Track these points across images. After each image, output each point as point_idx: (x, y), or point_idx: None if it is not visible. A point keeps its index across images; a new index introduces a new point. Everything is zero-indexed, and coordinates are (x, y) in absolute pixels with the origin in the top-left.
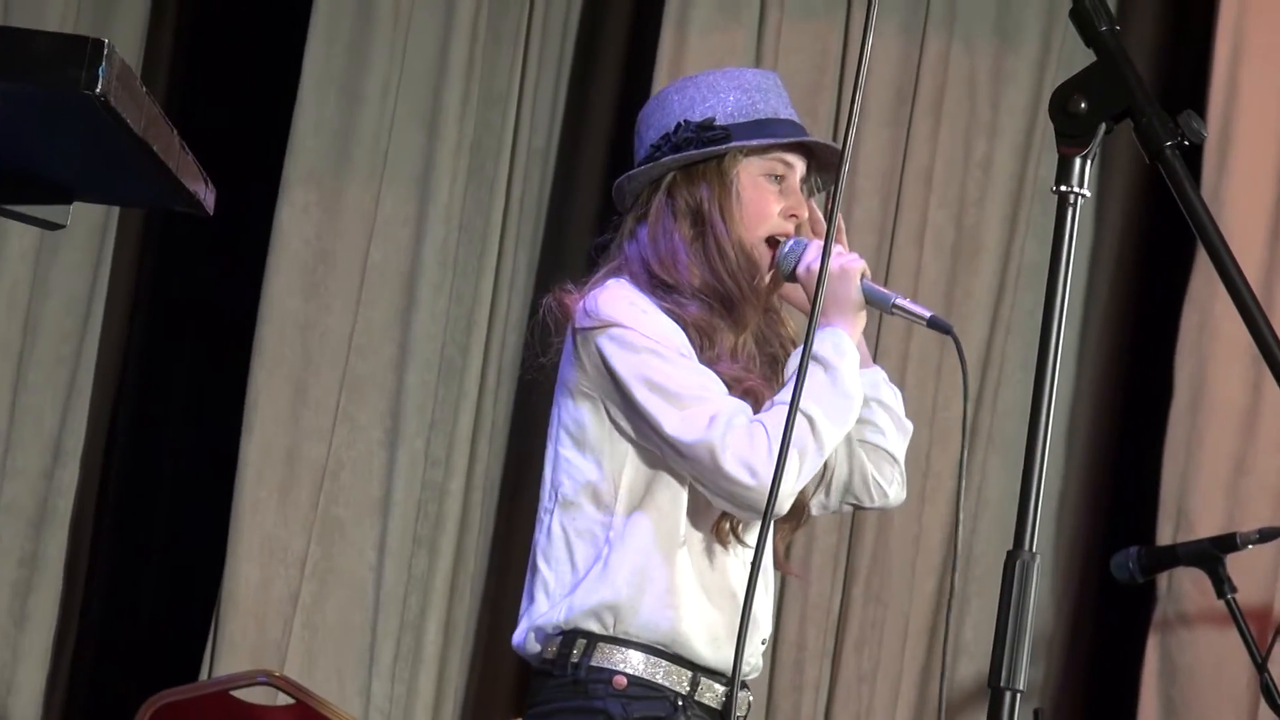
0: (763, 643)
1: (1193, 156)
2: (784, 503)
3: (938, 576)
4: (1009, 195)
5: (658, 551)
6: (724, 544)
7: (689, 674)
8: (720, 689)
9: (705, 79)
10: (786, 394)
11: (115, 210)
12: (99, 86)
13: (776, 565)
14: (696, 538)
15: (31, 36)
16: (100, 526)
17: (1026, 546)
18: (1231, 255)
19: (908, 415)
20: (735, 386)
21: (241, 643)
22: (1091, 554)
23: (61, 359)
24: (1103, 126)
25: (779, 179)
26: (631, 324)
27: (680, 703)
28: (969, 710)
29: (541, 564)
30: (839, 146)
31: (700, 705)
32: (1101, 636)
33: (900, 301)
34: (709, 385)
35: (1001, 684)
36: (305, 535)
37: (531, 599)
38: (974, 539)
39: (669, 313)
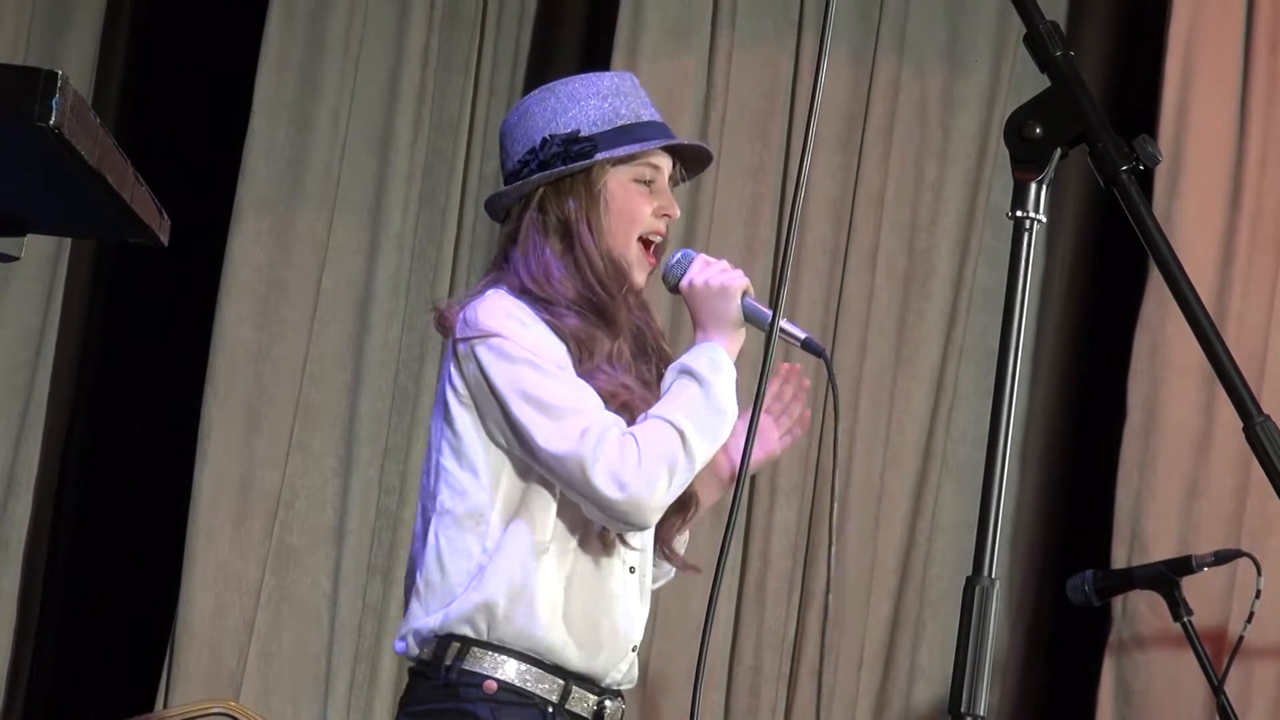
0: (633, 650)
1: (1144, 181)
2: (651, 516)
3: (893, 601)
4: (960, 219)
5: (533, 560)
6: (608, 550)
7: (560, 682)
8: (593, 698)
9: (565, 88)
10: (661, 408)
11: (67, 240)
12: (52, 118)
13: (669, 559)
14: (573, 545)
15: None
16: (54, 558)
17: (986, 572)
18: (1188, 279)
19: (859, 439)
20: (611, 401)
21: (197, 672)
22: (1046, 578)
23: (14, 389)
24: (1058, 152)
25: (648, 183)
26: (509, 334)
27: (550, 710)
28: None
29: (419, 573)
30: (705, 145)
31: (570, 714)
32: (1057, 660)
33: (783, 324)
34: (584, 398)
35: (963, 710)
36: (260, 564)
37: (410, 607)
38: (928, 563)
39: (548, 324)
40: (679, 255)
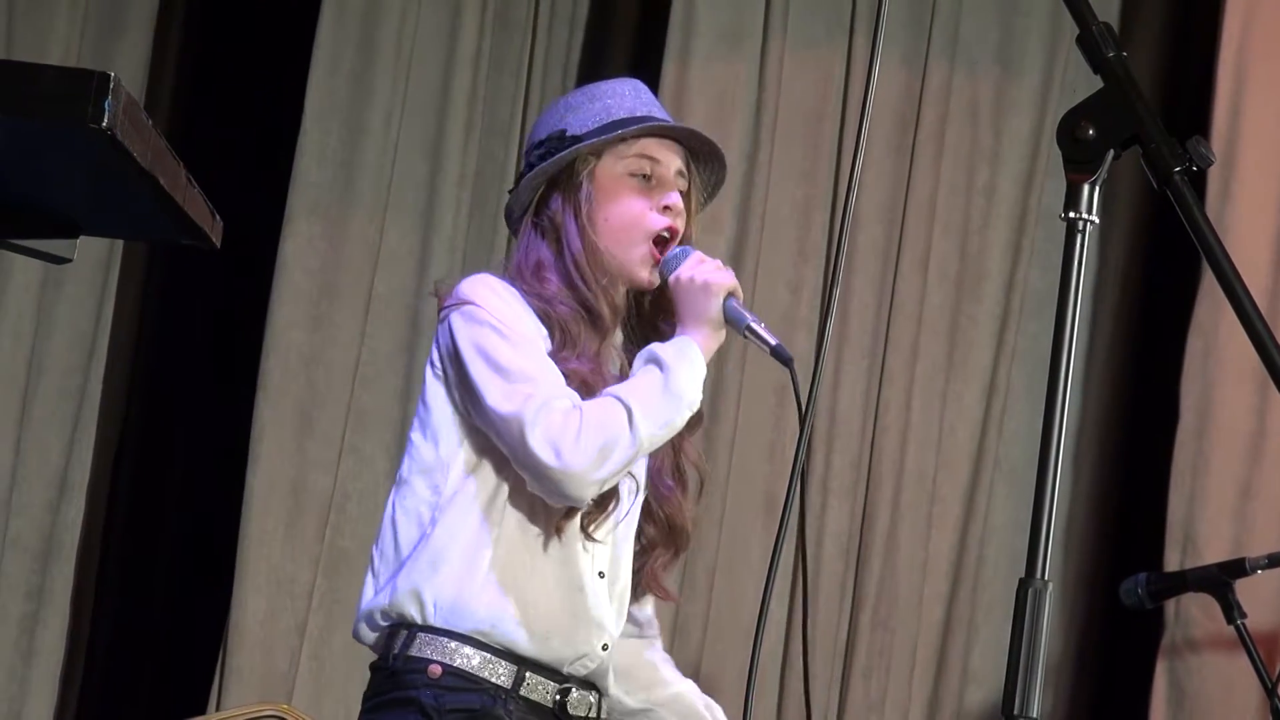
0: (604, 647)
1: (1197, 182)
2: (586, 493)
3: (945, 603)
4: (1012, 222)
5: (480, 539)
6: (570, 543)
7: (513, 668)
8: (553, 685)
9: (566, 98)
10: (616, 388)
11: (119, 243)
12: (105, 120)
13: (648, 588)
14: (532, 529)
15: (38, 71)
16: (106, 560)
17: (1039, 575)
18: (1241, 281)
19: (911, 441)
20: (572, 379)
21: (249, 675)
22: (1099, 581)
23: (67, 393)
24: (1111, 153)
25: (645, 177)
26: (482, 303)
27: (502, 695)
28: None
29: (375, 548)
30: (698, 130)
31: (525, 700)
32: (1110, 663)
33: (753, 325)
34: (542, 369)
35: (1015, 712)
36: (312, 567)
37: (365, 581)
38: (981, 566)
39: (537, 310)
40: (677, 251)
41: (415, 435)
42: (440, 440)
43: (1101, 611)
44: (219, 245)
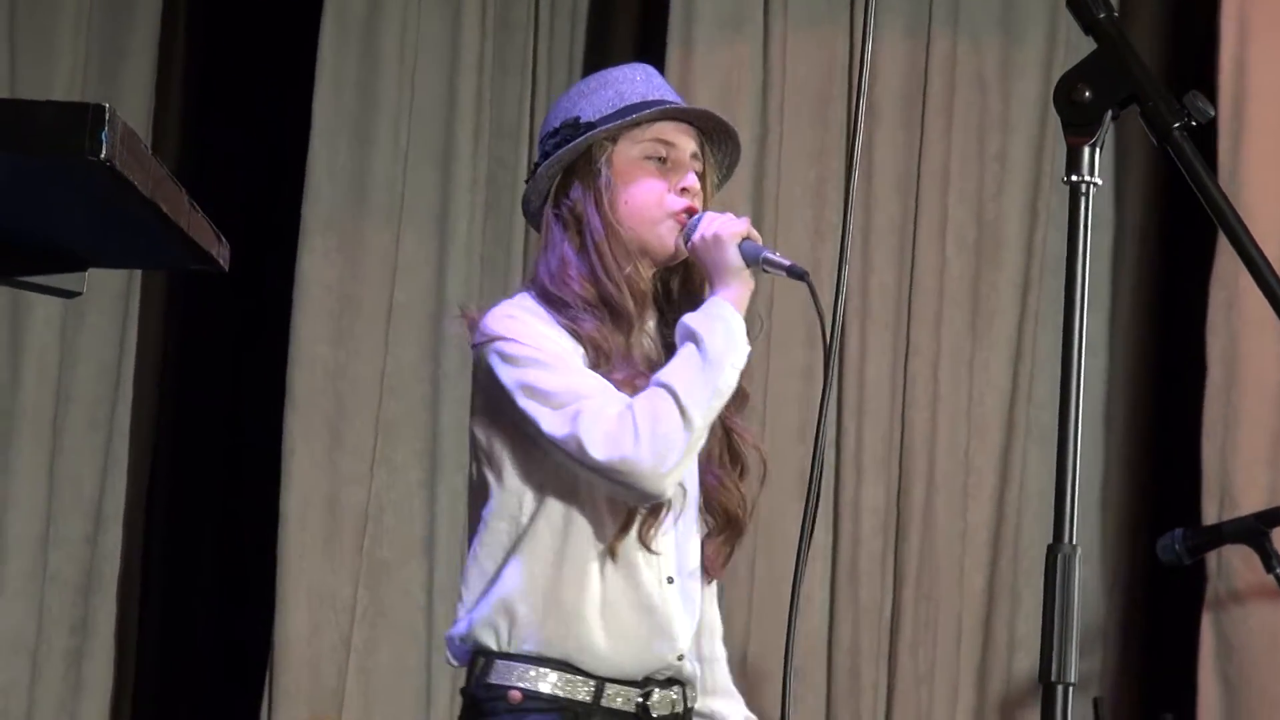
0: (680, 658)
1: (1208, 138)
2: (663, 484)
3: (986, 572)
4: (1026, 187)
5: (556, 566)
6: (637, 556)
7: (592, 683)
8: (634, 690)
9: (576, 86)
10: (659, 373)
11: (136, 272)
12: (104, 151)
13: (709, 570)
14: (602, 551)
15: (33, 107)
16: (147, 588)
17: (1066, 539)
18: (1248, 232)
19: (941, 412)
20: (624, 387)
21: (297, 692)
22: (1139, 539)
23: (96, 424)
24: (1109, 114)
25: (661, 160)
26: (512, 335)
27: (583, 711)
28: (1029, 704)
29: (463, 582)
30: (711, 111)
31: (607, 710)
32: (1155, 620)
33: (768, 255)
34: (584, 383)
35: (1053, 678)
36: (352, 580)
37: (458, 606)
38: (1019, 532)
39: (567, 329)
40: (692, 221)
41: (476, 470)
42: (504, 475)
43: (1143, 570)
44: (228, 268)
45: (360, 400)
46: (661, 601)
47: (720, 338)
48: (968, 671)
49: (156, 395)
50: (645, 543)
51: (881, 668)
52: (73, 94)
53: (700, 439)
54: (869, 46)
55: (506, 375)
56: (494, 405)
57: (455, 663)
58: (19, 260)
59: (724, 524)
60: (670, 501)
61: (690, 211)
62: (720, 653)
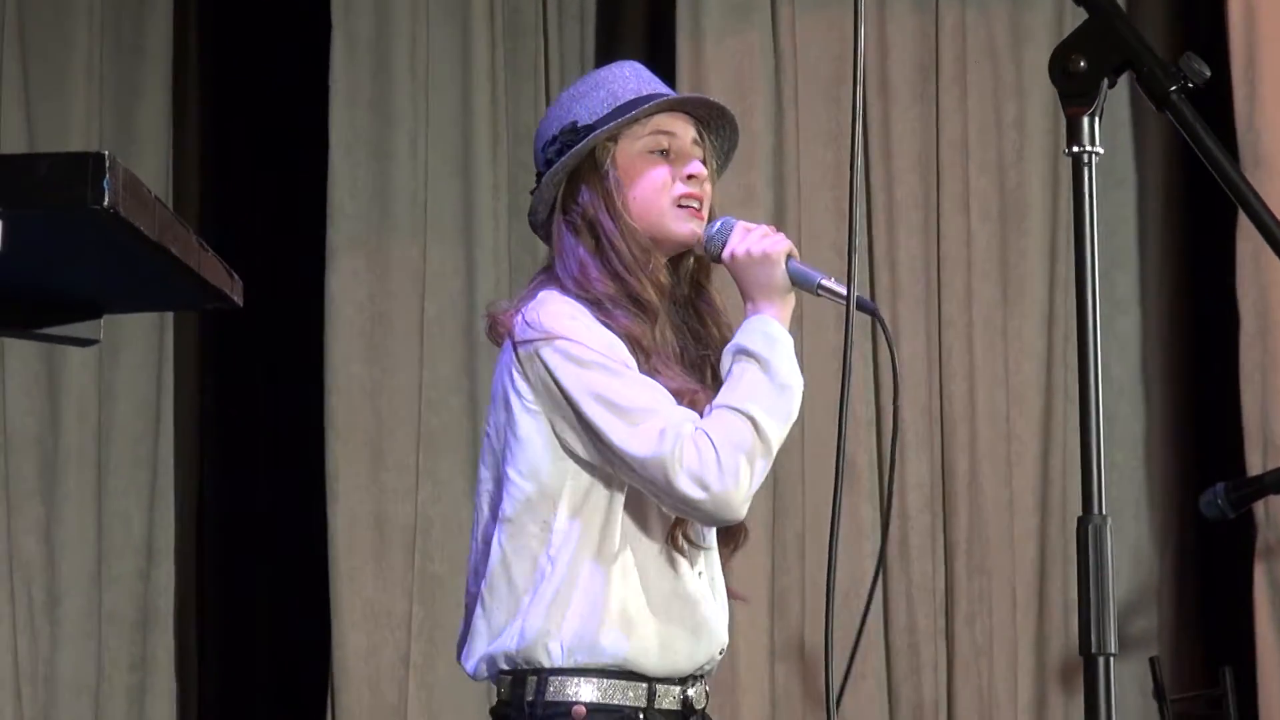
0: (720, 652)
1: (1222, 89)
2: (741, 510)
3: (1037, 540)
4: (1046, 152)
5: (601, 571)
6: (680, 552)
7: (644, 686)
8: (677, 689)
9: (568, 92)
10: (728, 396)
11: None
12: (106, 199)
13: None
14: (644, 551)
15: (31, 161)
16: (204, 619)
17: (1096, 510)
18: (1251, 187)
19: (979, 383)
20: (681, 399)
21: (360, 712)
22: (1186, 494)
23: (139, 461)
24: (1105, 82)
25: (663, 152)
26: (575, 336)
27: (641, 715)
28: None
29: (484, 587)
30: (702, 96)
31: (660, 712)
32: (1208, 574)
33: (825, 282)
34: (657, 397)
35: (1094, 650)
36: (406, 596)
37: (475, 622)
38: (1066, 497)
39: (604, 324)
40: (719, 224)
41: (512, 472)
42: (542, 475)
43: (1192, 525)
44: (241, 304)
45: (399, 416)
46: (702, 596)
47: (785, 361)
48: (1026, 641)
49: (197, 428)
50: (690, 538)
51: (940, 644)
52: (89, 133)
53: (771, 462)
54: (861, 27)
55: (570, 379)
56: (546, 406)
57: (481, 674)
58: (33, 312)
59: (725, 531)
60: None
61: (698, 200)
62: None
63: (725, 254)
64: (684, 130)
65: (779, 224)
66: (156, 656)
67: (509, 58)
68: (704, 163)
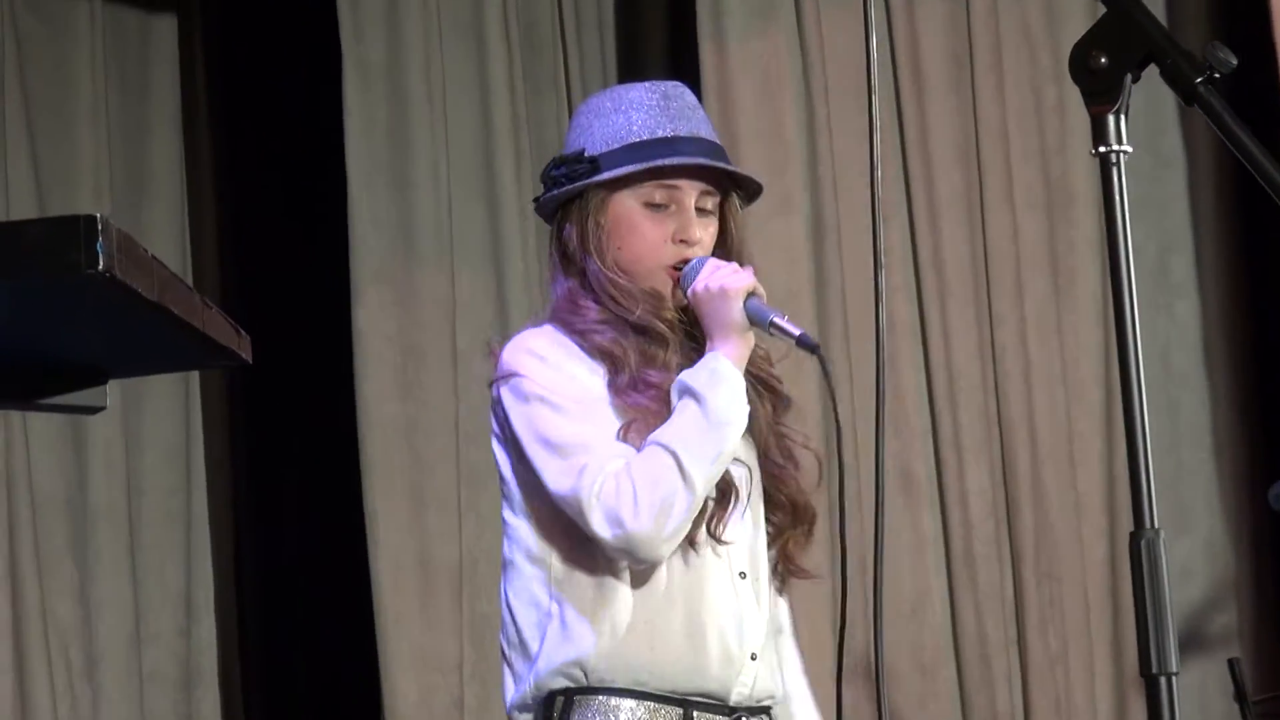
0: (753, 657)
1: (1268, 69)
2: (661, 551)
3: (1107, 540)
4: (1090, 137)
5: (607, 598)
6: (699, 556)
7: (679, 710)
8: (722, 719)
9: (595, 101)
10: (660, 433)
11: None
12: (101, 263)
13: (789, 572)
14: (653, 566)
15: (20, 228)
16: (249, 675)
17: (1148, 525)
18: None
19: (1036, 381)
20: (638, 414)
21: None
22: (1257, 487)
23: (172, 516)
24: (1128, 77)
25: (660, 206)
26: (526, 372)
27: None
28: None
29: (501, 634)
30: (710, 161)
31: None
32: None
33: (776, 319)
34: (594, 434)
35: (1155, 670)
36: (455, 638)
37: (504, 677)
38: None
39: (582, 348)
40: (694, 263)
41: (506, 514)
42: (530, 513)
43: (1266, 519)
44: (250, 360)
45: (437, 452)
46: (731, 601)
47: (723, 398)
48: (1101, 645)
49: (229, 476)
50: (715, 534)
51: (1012, 654)
52: (99, 178)
53: (700, 502)
54: (873, 41)
55: (517, 416)
56: (508, 444)
57: None
58: (35, 382)
59: (792, 516)
60: (738, 490)
61: (686, 262)
62: (789, 653)
63: (689, 291)
64: (689, 187)
65: (819, 228)
66: (202, 715)
67: (527, 73)
68: (722, 204)
